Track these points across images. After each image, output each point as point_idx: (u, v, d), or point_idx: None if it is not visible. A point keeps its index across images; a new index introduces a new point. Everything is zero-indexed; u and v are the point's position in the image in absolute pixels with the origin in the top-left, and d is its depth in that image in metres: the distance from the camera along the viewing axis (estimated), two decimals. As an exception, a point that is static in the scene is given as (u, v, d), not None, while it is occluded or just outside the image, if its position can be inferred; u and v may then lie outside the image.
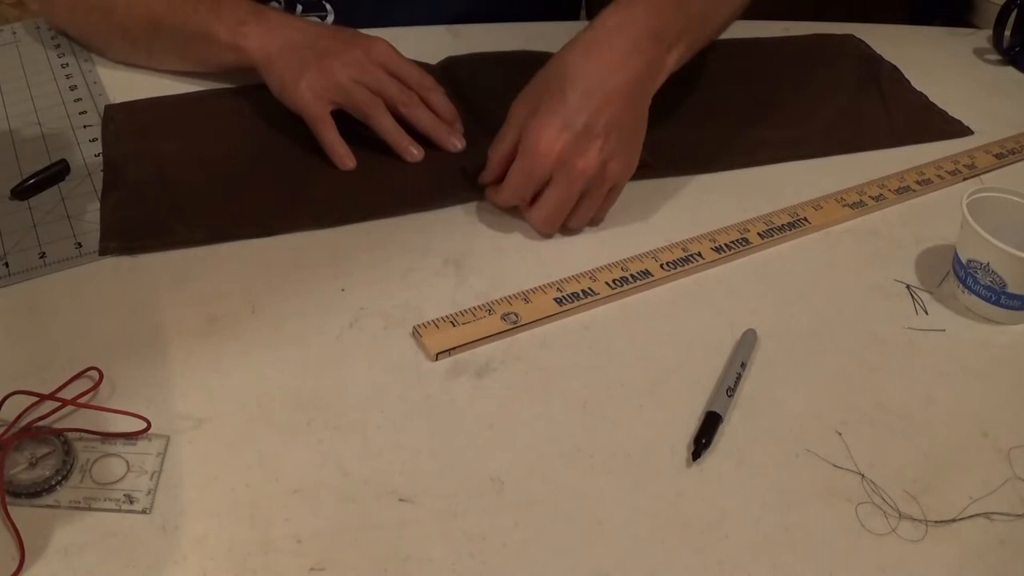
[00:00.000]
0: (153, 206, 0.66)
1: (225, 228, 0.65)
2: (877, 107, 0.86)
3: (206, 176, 0.70)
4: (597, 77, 0.64)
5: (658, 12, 0.67)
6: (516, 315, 0.60)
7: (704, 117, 0.81)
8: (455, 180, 0.71)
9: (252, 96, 0.77)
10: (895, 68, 0.93)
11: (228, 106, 0.78)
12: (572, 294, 0.62)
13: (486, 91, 0.81)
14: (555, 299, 0.62)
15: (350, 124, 0.73)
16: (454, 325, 0.59)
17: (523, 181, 0.65)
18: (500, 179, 0.67)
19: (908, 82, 0.91)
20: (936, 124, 0.85)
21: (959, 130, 0.84)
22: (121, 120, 0.75)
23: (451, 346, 0.58)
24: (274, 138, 0.74)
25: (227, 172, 0.71)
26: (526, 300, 0.61)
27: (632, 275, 0.64)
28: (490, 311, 0.60)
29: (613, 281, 0.64)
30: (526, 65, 0.85)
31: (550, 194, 0.65)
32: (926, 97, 0.88)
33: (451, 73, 0.84)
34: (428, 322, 0.59)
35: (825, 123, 0.83)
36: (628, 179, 0.67)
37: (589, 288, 0.63)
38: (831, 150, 0.80)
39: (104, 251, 0.62)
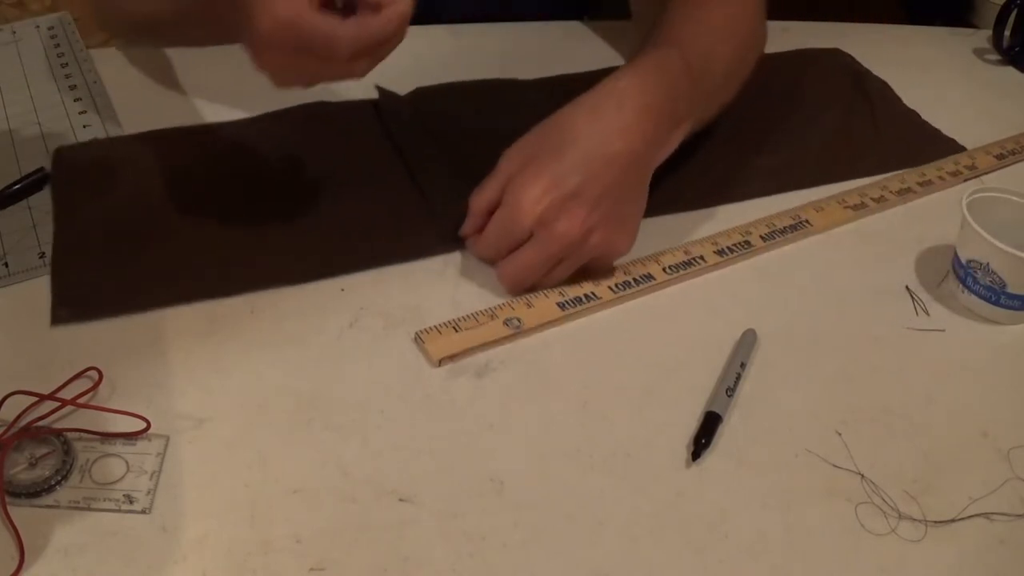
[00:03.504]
0: (107, 265, 0.61)
1: (186, 288, 0.60)
2: (869, 131, 0.83)
3: (165, 227, 0.64)
4: (600, 140, 0.60)
5: (671, 83, 0.64)
6: (519, 320, 0.60)
7: (690, 146, 0.73)
8: (430, 229, 0.66)
9: (219, 134, 0.72)
10: (884, 84, 0.90)
11: (191, 145, 0.72)
12: (575, 299, 0.62)
13: (456, 124, 0.77)
14: (557, 303, 0.61)
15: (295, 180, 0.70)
16: (456, 331, 0.58)
17: (501, 234, 0.61)
18: (481, 229, 0.63)
19: (899, 99, 0.88)
20: (929, 145, 0.82)
21: (952, 148, 0.82)
22: (72, 165, 0.69)
23: (454, 352, 0.57)
24: (240, 181, 0.69)
25: (188, 222, 0.65)
26: (528, 305, 0.61)
27: (635, 279, 0.64)
28: (492, 316, 0.60)
29: (615, 285, 0.63)
30: (496, 96, 0.82)
31: (523, 252, 0.60)
32: (918, 115, 0.86)
33: (421, 105, 0.79)
34: (430, 328, 0.59)
35: (816, 148, 0.80)
36: (617, 256, 0.63)
37: (592, 292, 0.62)
38: (823, 179, 0.76)
39: (57, 320, 0.57)
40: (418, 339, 0.58)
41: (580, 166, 0.59)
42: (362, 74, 0.57)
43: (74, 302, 0.58)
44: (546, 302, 0.61)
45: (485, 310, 0.60)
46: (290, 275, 0.62)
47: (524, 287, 0.62)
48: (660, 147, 0.64)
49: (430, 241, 0.66)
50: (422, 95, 0.81)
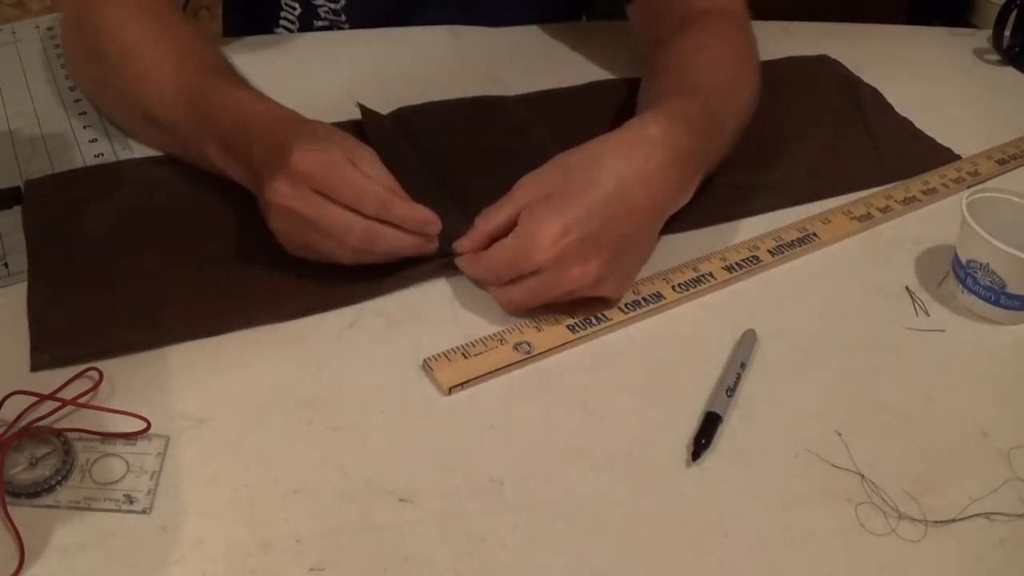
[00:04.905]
0: (85, 303, 0.58)
1: (167, 327, 0.57)
2: (864, 143, 0.82)
3: (144, 260, 0.62)
4: (625, 186, 0.58)
5: (695, 135, 0.63)
6: (528, 344, 0.58)
7: None
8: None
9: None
10: (876, 92, 0.89)
11: (171, 174, 0.69)
12: (585, 320, 0.60)
13: (441, 142, 0.75)
14: (568, 326, 0.60)
15: None
16: (466, 357, 0.57)
17: (507, 263, 0.58)
18: (480, 250, 0.60)
19: (892, 108, 0.87)
20: (926, 155, 0.82)
21: (948, 157, 0.81)
22: (45, 196, 0.66)
23: (464, 380, 0.56)
24: (219, 210, 0.66)
25: (168, 256, 0.62)
26: (538, 328, 0.60)
27: (644, 298, 0.63)
28: (501, 340, 0.59)
29: (626, 306, 0.62)
30: (481, 112, 0.80)
31: (531, 283, 0.58)
32: (912, 124, 0.85)
33: (404, 123, 0.77)
34: (439, 355, 0.57)
35: (811, 162, 0.79)
36: (619, 298, 0.62)
37: (602, 314, 0.61)
38: (823, 193, 0.75)
39: (37, 366, 0.54)
40: (426, 366, 0.57)
41: (602, 210, 0.57)
42: (352, 254, 0.58)
43: (53, 347, 0.55)
44: (556, 325, 0.60)
45: (494, 334, 0.59)
46: (279, 313, 0.59)
47: (521, 313, 0.60)
48: (680, 198, 0.64)
49: (427, 266, 0.63)
50: (405, 113, 0.78)
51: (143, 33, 0.69)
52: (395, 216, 0.58)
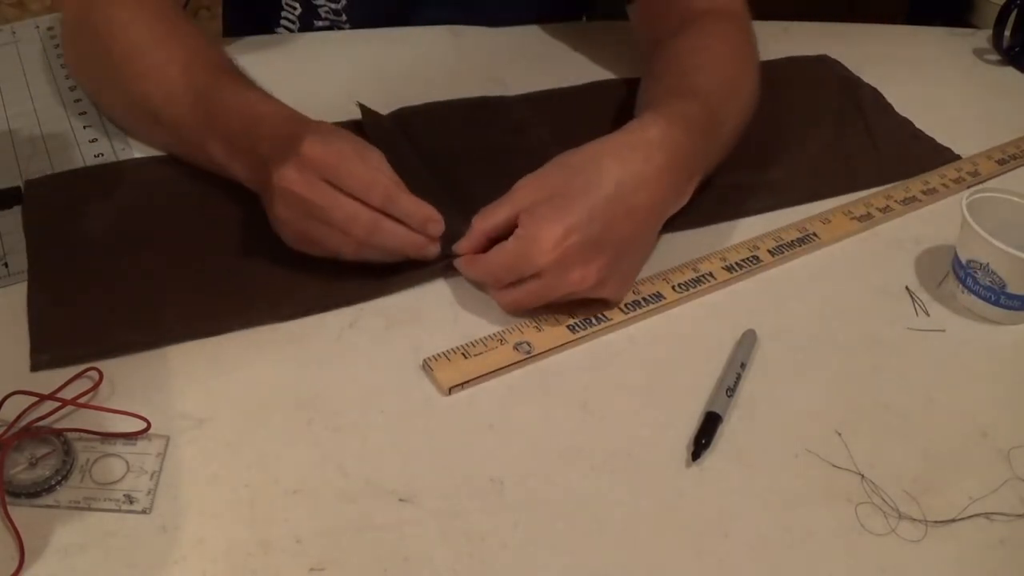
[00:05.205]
0: (85, 303, 0.58)
1: (167, 327, 0.57)
2: (864, 143, 0.82)
3: (143, 260, 0.62)
4: (627, 187, 0.58)
5: (693, 137, 0.63)
6: (529, 344, 0.58)
7: None
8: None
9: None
10: (876, 92, 0.89)
11: (171, 174, 0.69)
12: (585, 320, 0.60)
13: (441, 142, 0.75)
14: (568, 327, 0.60)
15: None
16: (466, 357, 0.57)
17: (508, 266, 0.58)
18: (479, 251, 0.60)
19: (892, 108, 0.87)
20: (926, 155, 0.82)
21: (948, 157, 0.81)
22: (45, 196, 0.66)
23: (464, 380, 0.56)
24: (219, 211, 0.65)
25: (168, 256, 0.62)
26: (538, 328, 0.60)
27: (644, 298, 0.63)
28: (502, 340, 0.59)
29: (626, 306, 0.62)
30: (481, 113, 0.80)
31: (532, 286, 0.58)
32: (912, 124, 0.85)
33: (404, 123, 0.77)
34: (439, 354, 0.57)
35: (811, 162, 0.79)
36: (619, 300, 0.62)
37: (602, 314, 0.61)
38: (823, 193, 0.75)
39: (37, 366, 0.54)
40: (426, 366, 0.57)
41: (603, 213, 0.57)
42: (355, 247, 0.58)
43: (53, 347, 0.55)
44: (556, 325, 0.60)
45: (494, 334, 0.59)
46: (279, 313, 0.59)
47: (521, 313, 0.60)
48: (678, 200, 0.64)
49: (427, 267, 0.62)
50: (405, 113, 0.78)
51: (148, 33, 0.69)
52: (400, 209, 0.58)
